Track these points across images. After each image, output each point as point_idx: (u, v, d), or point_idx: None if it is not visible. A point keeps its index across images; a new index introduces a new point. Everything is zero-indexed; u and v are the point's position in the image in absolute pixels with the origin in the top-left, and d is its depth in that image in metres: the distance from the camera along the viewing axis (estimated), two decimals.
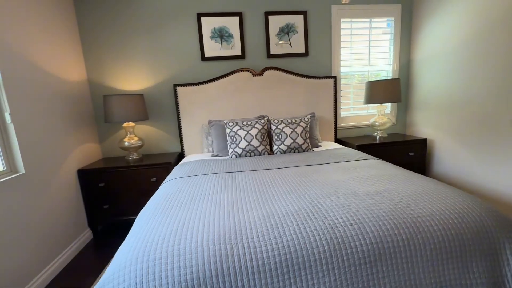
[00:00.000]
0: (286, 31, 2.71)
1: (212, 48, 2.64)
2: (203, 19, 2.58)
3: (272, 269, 0.90)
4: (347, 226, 1.01)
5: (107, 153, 2.71)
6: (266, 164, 1.93)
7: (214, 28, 2.61)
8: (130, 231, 1.17)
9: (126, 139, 2.42)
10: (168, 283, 0.85)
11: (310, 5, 2.71)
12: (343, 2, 1.17)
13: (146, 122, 2.68)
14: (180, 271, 0.87)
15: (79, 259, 2.04)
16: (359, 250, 0.95)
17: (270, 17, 2.66)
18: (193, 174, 1.80)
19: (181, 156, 2.72)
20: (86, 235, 2.29)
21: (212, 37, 2.63)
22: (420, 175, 1.53)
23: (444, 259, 0.99)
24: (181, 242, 0.96)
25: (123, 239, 2.27)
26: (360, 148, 2.55)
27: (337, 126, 2.97)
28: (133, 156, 2.47)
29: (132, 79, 2.61)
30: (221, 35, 2.64)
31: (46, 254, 1.80)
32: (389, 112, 3.07)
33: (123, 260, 0.93)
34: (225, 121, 2.38)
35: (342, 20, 2.80)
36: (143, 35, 2.55)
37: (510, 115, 1.97)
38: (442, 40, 2.51)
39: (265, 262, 0.91)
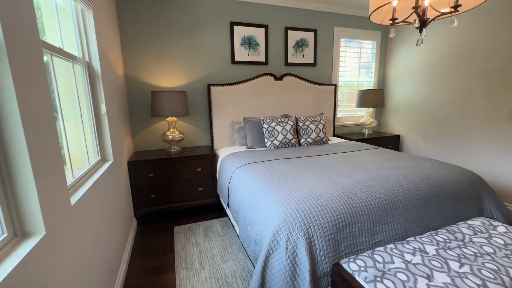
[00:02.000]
0: (300, 44, 3.26)
1: (241, 53, 3.01)
2: (235, 27, 2.92)
3: (378, 209, 1.43)
4: (404, 185, 1.61)
5: (137, 146, 2.80)
6: (308, 152, 2.44)
7: (244, 36, 2.98)
8: (253, 198, 1.54)
9: (168, 133, 2.60)
10: (325, 223, 1.30)
11: (319, 25, 3.32)
12: (390, 36, 1.71)
13: (181, 117, 2.87)
14: (329, 215, 1.33)
15: (138, 245, 2.19)
16: (414, 198, 1.56)
17: (289, 32, 3.17)
18: (257, 161, 2.19)
19: (211, 149, 3.00)
20: (134, 223, 2.41)
21: (241, 44, 2.99)
22: (416, 155, 2.26)
23: (455, 200, 1.68)
24: (321, 196, 1.41)
25: (164, 225, 2.48)
26: (359, 141, 3.26)
27: (335, 124, 3.65)
28: (174, 148, 2.66)
29: (168, 77, 2.78)
30: (249, 42, 3.02)
31: (123, 237, 1.94)
32: (368, 114, 3.91)
33: (281, 213, 1.32)
34: (261, 118, 2.79)
35: (341, 39, 3.49)
36: (180, 38, 2.75)
37: (456, 117, 2.92)
38: (409, 62, 3.43)
39: (374, 206, 1.43)
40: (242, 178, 1.91)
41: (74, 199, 1.10)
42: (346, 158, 2.22)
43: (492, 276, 1.10)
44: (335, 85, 3.47)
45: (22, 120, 0.76)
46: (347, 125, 3.78)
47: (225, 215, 2.65)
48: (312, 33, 3.29)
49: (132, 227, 2.30)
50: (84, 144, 1.57)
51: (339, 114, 3.71)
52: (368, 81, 3.83)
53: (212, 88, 2.88)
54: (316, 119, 2.94)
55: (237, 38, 2.96)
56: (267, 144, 2.71)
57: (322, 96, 3.42)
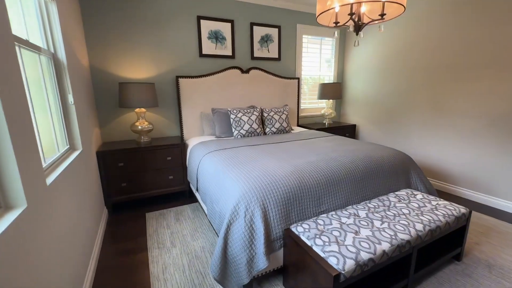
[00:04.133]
0: (265, 39, 3.46)
1: (208, 47, 3.13)
2: (202, 21, 3.03)
3: (323, 184, 1.71)
4: (345, 164, 1.91)
5: (105, 137, 2.83)
6: (271, 140, 2.68)
7: (211, 30, 3.10)
8: (218, 179, 1.74)
9: (138, 123, 2.67)
10: (277, 196, 1.54)
11: (282, 22, 3.54)
12: (335, 37, 1.96)
13: (150, 108, 2.94)
14: (281, 189, 1.57)
15: (110, 232, 2.28)
16: (354, 174, 1.87)
17: (255, 27, 3.35)
18: (224, 148, 2.38)
19: (180, 139, 3.11)
20: (105, 213, 2.48)
21: (209, 38, 3.11)
22: (365, 141, 2.62)
23: (388, 176, 2.03)
24: (275, 174, 1.64)
25: (135, 213, 2.59)
26: (320, 130, 3.59)
27: (299, 115, 3.95)
28: (144, 139, 2.74)
29: (136, 69, 2.82)
30: (216, 36, 3.15)
31: (95, 224, 2.03)
32: (328, 106, 4.27)
33: (241, 190, 1.54)
34: (229, 109, 2.96)
35: (303, 35, 3.75)
36: (148, 31, 2.79)
37: (399, 107, 3.36)
38: (364, 58, 3.81)
39: (320, 181, 1.71)
40: (209, 163, 2.09)
41: (49, 180, 1.20)
42: (303, 144, 2.49)
43: (402, 229, 1.42)
44: (298, 78, 3.74)
45: (4, 109, 0.86)
46: (310, 116, 4.10)
47: (196, 201, 2.82)
48: (276, 29, 3.50)
49: (103, 216, 2.37)
50: (53, 132, 1.63)
51: (302, 105, 4.00)
52: (329, 75, 4.16)
53: (181, 80, 2.98)
54: (280, 110, 3.19)
55: (205, 32, 3.07)
56: (234, 133, 2.90)
57: (287, 89, 3.67)
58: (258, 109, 3.07)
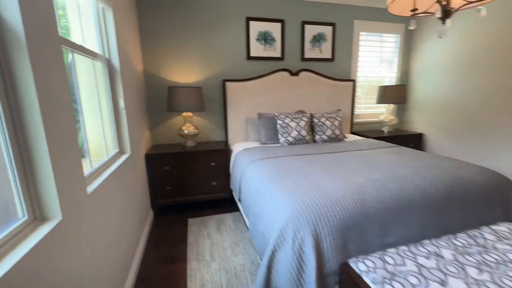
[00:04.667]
0: (318, 39, 3.18)
1: (256, 49, 2.99)
2: (251, 23, 2.91)
3: (391, 209, 1.38)
4: (421, 185, 1.53)
5: (155, 140, 2.89)
6: (322, 149, 2.40)
7: (260, 31, 2.96)
8: (263, 193, 1.54)
9: (184, 127, 2.67)
10: (333, 222, 1.27)
11: (337, 18, 3.22)
12: (410, 28, 1.61)
13: (196, 113, 2.92)
14: (338, 213, 1.30)
15: (153, 235, 2.28)
16: (432, 199, 1.47)
17: (306, 26, 3.10)
18: (270, 157, 2.19)
19: (225, 144, 3.03)
20: (150, 214, 2.51)
21: (257, 39, 2.98)
22: (440, 155, 2.14)
23: (479, 203, 1.57)
24: (331, 194, 1.38)
25: (178, 217, 2.54)
26: (378, 139, 3.14)
27: (353, 121, 3.54)
28: (189, 143, 2.72)
29: (185, 73, 2.84)
30: (265, 38, 3.00)
31: (140, 227, 2.03)
32: (389, 111, 3.75)
33: (288, 210, 1.31)
34: (276, 114, 2.77)
35: (361, 33, 3.36)
36: (197, 35, 2.79)
37: (486, 115, 2.72)
38: (436, 56, 3.22)
39: (388, 206, 1.38)
40: (253, 173, 1.92)
41: (90, 188, 1.16)
42: (361, 156, 2.15)
43: None
44: (354, 80, 3.35)
45: (42, 113, 0.81)
46: (365, 122, 3.65)
47: (237, 209, 2.68)
48: (330, 27, 3.19)
49: (148, 217, 2.39)
50: (103, 137, 1.65)
51: (357, 110, 3.58)
52: (390, 77, 3.66)
53: (228, 84, 2.90)
54: (332, 116, 2.87)
55: (253, 34, 2.95)
56: (281, 140, 2.69)
57: (340, 92, 3.32)
58: (307, 114, 2.81)
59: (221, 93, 2.99)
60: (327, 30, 3.20)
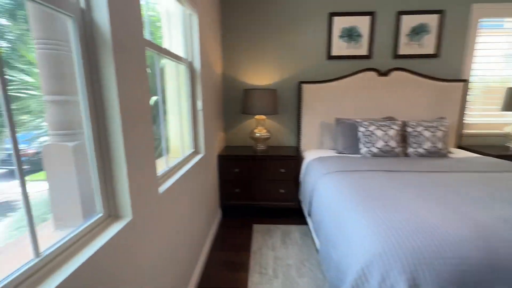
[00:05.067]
0: (417, 31, 2.63)
1: (339, 47, 2.69)
2: (334, 18, 2.64)
3: None
4: None
5: (228, 141, 2.95)
6: (418, 166, 1.93)
7: (344, 27, 2.65)
8: (338, 214, 1.28)
9: (256, 131, 2.61)
10: (444, 273, 0.92)
11: (448, 4, 2.59)
12: None
13: (269, 116, 2.85)
14: (451, 262, 0.94)
15: (219, 236, 2.28)
16: None
17: (403, 17, 2.61)
18: (349, 170, 1.88)
19: (297, 150, 2.84)
20: (219, 213, 2.55)
21: (340, 36, 2.67)
22: None
23: None
24: (439, 233, 1.02)
25: (244, 221, 2.46)
26: (502, 158, 2.36)
27: (462, 132, 2.80)
28: (260, 146, 2.66)
29: (260, 75, 2.80)
30: (350, 34, 2.67)
31: (208, 226, 2.06)
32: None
33: (375, 246, 1.02)
34: (357, 120, 2.42)
35: (480, 20, 2.61)
36: (275, 36, 2.70)
37: None
38: None
39: None
40: (328, 187, 1.67)
41: (162, 188, 1.18)
42: (480, 180, 1.60)
43: None
44: (466, 81, 2.64)
45: (121, 113, 0.82)
46: (480, 134, 2.83)
47: (306, 223, 2.45)
48: (436, 16, 2.60)
49: (216, 217, 2.44)
50: (181, 137, 1.73)
51: (468, 119, 2.81)
52: None
53: (304, 86, 2.71)
54: (432, 125, 2.31)
55: (336, 31, 2.66)
56: (362, 151, 2.32)
57: (444, 95, 2.67)
58: (398, 122, 2.34)
59: (295, 96, 2.82)
60: (431, 20, 2.61)
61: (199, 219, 1.81)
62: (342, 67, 2.74)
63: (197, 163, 1.75)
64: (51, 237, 0.98)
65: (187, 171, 1.53)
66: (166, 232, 1.19)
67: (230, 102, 2.86)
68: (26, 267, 0.57)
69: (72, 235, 0.71)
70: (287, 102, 2.84)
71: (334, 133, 2.63)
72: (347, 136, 2.47)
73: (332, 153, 2.50)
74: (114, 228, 0.81)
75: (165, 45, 1.67)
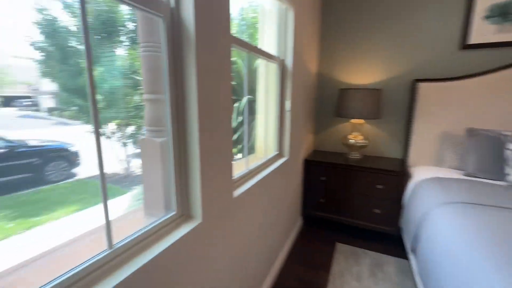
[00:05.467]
0: None
1: (482, 32, 1.98)
2: None
3: None
4: None
5: (317, 145, 2.72)
6: None
7: (494, 4, 1.92)
8: (467, 274, 0.87)
9: (351, 136, 2.28)
10: None
11: None
12: None
13: (369, 120, 2.44)
14: None
15: (297, 246, 2.11)
16: None
17: None
18: (486, 203, 1.33)
19: (402, 164, 2.31)
20: (299, 222, 2.39)
21: (487, 17, 1.96)
22: None
23: None
24: None
25: (326, 236, 2.16)
26: None
27: None
28: (354, 155, 2.31)
29: (361, 72, 2.42)
30: (504, 12, 1.91)
31: (285, 233, 1.94)
32: None
33: None
34: (505, 133, 1.72)
35: None
36: (384, 26, 2.25)
37: None
38: None
39: None
40: (449, 224, 1.22)
41: (238, 191, 1.13)
42: None
43: None
44: None
45: (199, 114, 0.79)
46: None
47: (406, 257, 1.96)
48: None
49: (296, 225, 2.29)
50: (266, 138, 1.67)
51: None
52: None
53: (421, 85, 2.16)
54: None
55: (480, 9, 1.97)
56: (510, 178, 1.62)
57: None
58: None
59: (407, 97, 2.29)
60: None
61: (276, 227, 1.71)
62: (484, 59, 2.02)
63: (279, 167, 1.65)
64: (140, 221, 1.08)
65: (268, 175, 1.45)
66: (237, 238, 1.14)
67: (323, 103, 2.62)
68: (100, 257, 0.60)
69: (144, 230, 0.73)
70: (394, 105, 2.34)
71: (462, 148, 1.97)
72: (485, 154, 1.79)
73: (456, 174, 1.88)
74: (183, 229, 0.80)
75: (259, 43, 1.63)
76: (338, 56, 2.48)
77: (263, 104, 1.71)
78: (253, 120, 2.18)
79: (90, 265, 0.58)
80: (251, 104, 2.15)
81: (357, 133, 2.27)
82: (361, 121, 2.26)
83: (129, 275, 0.61)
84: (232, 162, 1.04)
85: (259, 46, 1.41)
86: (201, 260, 0.87)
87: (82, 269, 0.56)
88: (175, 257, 0.75)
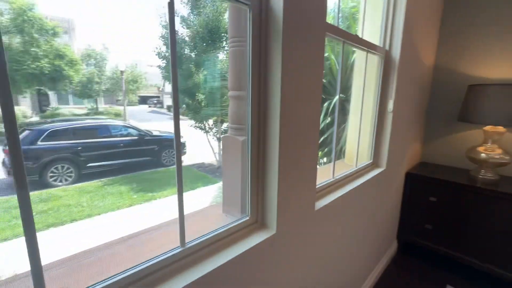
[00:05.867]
0: None
1: None
2: None
3: None
4: None
5: (426, 156, 2.19)
6: None
7: None
8: None
9: (482, 149, 1.70)
10: None
11: None
12: None
13: None
14: None
15: (389, 273, 1.74)
16: None
17: None
18: None
19: None
20: (393, 247, 1.98)
21: None
22: None
23: None
24: None
25: (431, 274, 1.65)
26: None
27: None
28: (486, 174, 1.72)
29: (504, 62, 1.76)
30: None
31: (372, 258, 1.63)
32: None
33: None
34: None
35: None
36: None
37: None
38: None
39: None
40: None
41: (320, 203, 0.98)
42: None
43: None
44: None
45: (281, 112, 0.70)
46: None
47: None
48: None
49: (389, 250, 1.90)
50: (357, 143, 1.43)
51: None
52: None
53: None
54: None
55: None
56: None
57: None
58: None
59: None
60: None
61: (363, 249, 1.45)
62: None
63: (373, 179, 1.38)
64: (217, 218, 1.09)
65: (358, 187, 1.22)
66: (315, 255, 0.99)
67: (440, 103, 2.07)
68: (172, 253, 0.60)
69: (217, 232, 0.69)
70: None
71: None
72: None
73: None
74: (255, 238, 0.73)
75: (359, 33, 1.40)
76: (466, 42, 1.90)
77: (357, 104, 1.46)
78: (344, 122, 1.94)
79: (162, 260, 0.58)
80: (343, 104, 1.91)
81: (492, 145, 1.68)
82: (501, 128, 1.65)
83: (199, 278, 0.58)
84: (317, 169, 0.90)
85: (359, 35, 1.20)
86: (271, 274, 0.78)
87: (154, 263, 0.56)
88: (245, 266, 0.69)
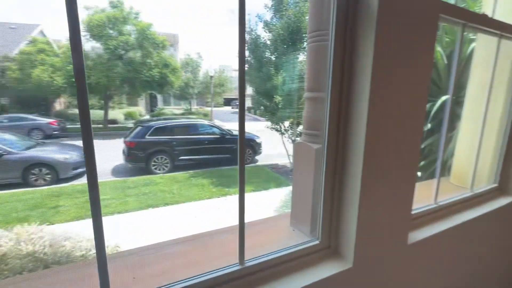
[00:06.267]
0: None
1: None
2: None
3: None
4: None
5: None
6: None
7: None
8: None
9: None
10: None
11: None
12: None
13: None
14: None
15: None
16: None
17: None
18: None
19: None
20: None
21: None
22: None
23: None
24: None
25: None
26: None
27: None
28: None
29: None
30: None
31: None
32: None
33: None
34: None
35: None
36: None
37: None
38: None
39: None
40: None
41: (416, 235, 0.76)
42: None
43: None
44: None
45: (368, 119, 0.55)
46: None
47: None
48: None
49: None
50: (475, 158, 1.08)
51: None
52: None
53: None
54: None
55: None
56: None
57: None
58: None
59: None
60: None
61: None
62: None
63: (499, 210, 1.01)
64: (285, 231, 1.00)
65: (474, 219, 0.91)
66: None
67: None
68: (228, 271, 0.55)
69: (280, 254, 0.61)
70: None
71: None
72: None
73: None
74: (327, 269, 0.61)
75: (487, 11, 1.05)
76: None
77: (476, 108, 1.11)
78: (452, 130, 1.53)
79: (218, 276, 0.54)
80: (452, 107, 1.50)
81: None
82: None
83: None
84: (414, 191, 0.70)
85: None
86: None
87: (208, 279, 0.53)
88: None
